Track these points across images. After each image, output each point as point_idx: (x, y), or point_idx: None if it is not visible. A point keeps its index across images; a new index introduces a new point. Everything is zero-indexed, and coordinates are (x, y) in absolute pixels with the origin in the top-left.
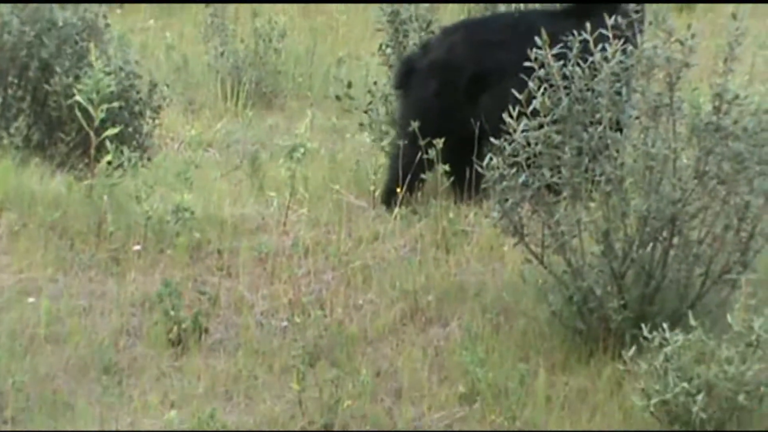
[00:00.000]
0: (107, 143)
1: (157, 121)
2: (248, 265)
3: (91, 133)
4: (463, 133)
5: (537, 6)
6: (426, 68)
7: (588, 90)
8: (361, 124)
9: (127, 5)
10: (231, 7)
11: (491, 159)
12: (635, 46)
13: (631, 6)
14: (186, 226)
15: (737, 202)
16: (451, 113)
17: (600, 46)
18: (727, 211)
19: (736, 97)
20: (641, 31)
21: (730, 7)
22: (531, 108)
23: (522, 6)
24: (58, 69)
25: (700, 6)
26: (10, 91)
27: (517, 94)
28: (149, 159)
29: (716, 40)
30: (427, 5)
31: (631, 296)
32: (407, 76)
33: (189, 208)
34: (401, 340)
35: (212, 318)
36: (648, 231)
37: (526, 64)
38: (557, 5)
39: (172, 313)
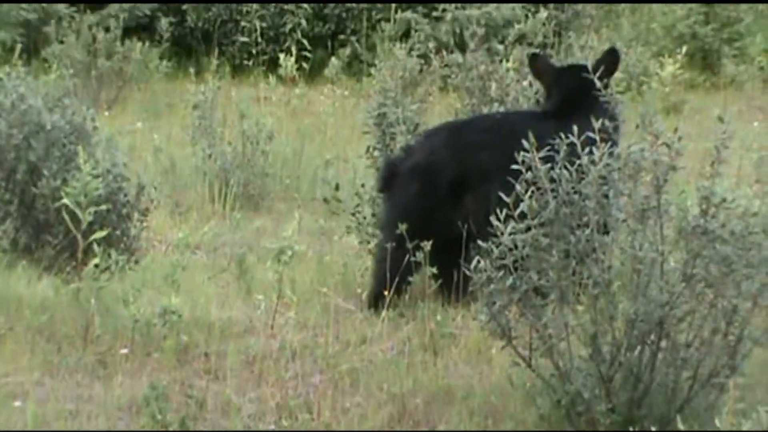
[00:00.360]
0: (95, 246)
1: (144, 224)
2: (236, 368)
3: (79, 236)
4: (448, 236)
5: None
6: (408, 171)
7: (575, 193)
8: (348, 227)
9: (115, 107)
10: (219, 110)
11: (479, 261)
12: (617, 145)
13: (617, 109)
14: (173, 329)
15: (725, 305)
16: (434, 216)
17: (587, 149)
18: (715, 314)
19: (724, 200)
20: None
21: (716, 110)
22: (518, 211)
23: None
24: (45, 172)
25: (687, 108)
26: None
27: (503, 196)
28: (137, 261)
29: (703, 142)
30: (414, 107)
31: (619, 399)
32: (390, 179)
33: (176, 311)
34: None
35: (199, 421)
36: (636, 334)
37: (513, 166)
38: (538, 107)
39: (159, 416)
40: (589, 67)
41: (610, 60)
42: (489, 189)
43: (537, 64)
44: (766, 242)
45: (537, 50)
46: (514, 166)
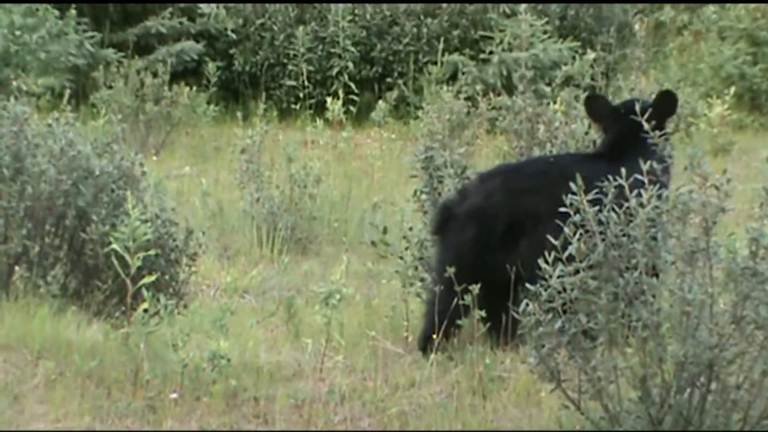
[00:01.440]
0: (143, 291)
1: (193, 268)
2: (285, 413)
3: (128, 281)
4: (499, 279)
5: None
6: (464, 215)
7: (623, 235)
8: (396, 271)
9: (163, 152)
10: (266, 154)
11: (527, 305)
12: (667, 187)
13: (666, 151)
14: (222, 374)
15: None
16: (489, 260)
17: (635, 191)
18: (765, 356)
19: None
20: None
21: (765, 151)
22: (566, 254)
23: None
24: (94, 217)
25: (735, 149)
26: (47, 240)
27: (552, 240)
28: (185, 306)
29: (752, 184)
30: (462, 150)
31: None
32: (445, 221)
33: (225, 355)
34: None
35: None
36: (685, 376)
37: (562, 209)
38: (590, 149)
39: None
40: (639, 107)
41: (666, 103)
42: (543, 233)
43: (593, 105)
44: None
45: (594, 91)
46: (565, 210)
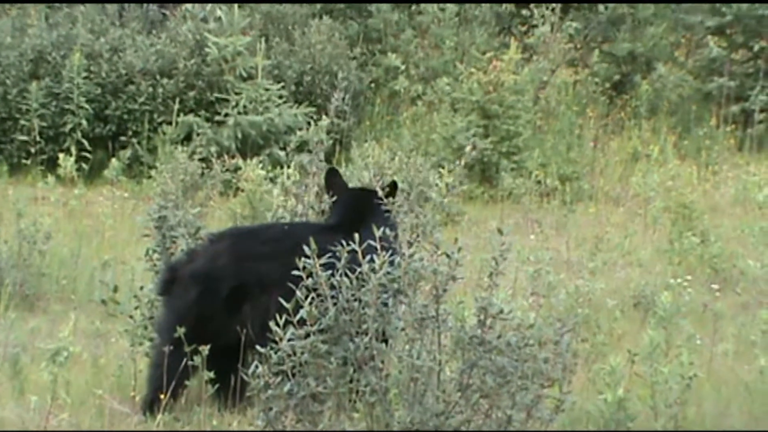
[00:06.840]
0: None
1: None
2: None
3: None
4: (226, 342)
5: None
6: (188, 276)
7: (355, 300)
8: (126, 330)
9: None
10: None
11: (257, 367)
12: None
13: (397, 219)
14: None
15: (500, 416)
16: (212, 322)
17: (368, 257)
18: (490, 424)
19: (501, 311)
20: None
21: (494, 222)
22: (298, 317)
23: None
24: None
25: (465, 219)
26: None
27: (283, 302)
28: None
29: (481, 254)
30: (195, 210)
31: None
32: (170, 282)
33: None
34: None
35: None
36: None
37: (294, 273)
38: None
39: None
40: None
41: (391, 189)
42: (269, 299)
43: (332, 178)
44: (540, 354)
45: (333, 166)
46: (297, 275)
